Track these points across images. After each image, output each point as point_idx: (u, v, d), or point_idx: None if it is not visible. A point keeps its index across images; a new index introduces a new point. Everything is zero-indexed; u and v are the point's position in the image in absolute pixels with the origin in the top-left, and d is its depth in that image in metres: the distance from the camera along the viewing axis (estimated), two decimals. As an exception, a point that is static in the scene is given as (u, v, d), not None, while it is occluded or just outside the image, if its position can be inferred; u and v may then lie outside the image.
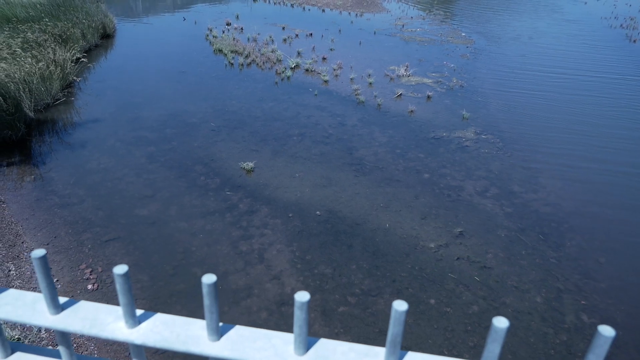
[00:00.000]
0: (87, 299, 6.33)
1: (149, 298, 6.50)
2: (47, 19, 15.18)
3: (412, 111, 12.67)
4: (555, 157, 10.81)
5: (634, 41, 21.74)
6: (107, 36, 18.09)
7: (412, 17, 23.73)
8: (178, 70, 15.15)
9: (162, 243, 7.55)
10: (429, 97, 13.70)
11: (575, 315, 6.52)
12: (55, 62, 12.62)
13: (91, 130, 11.07)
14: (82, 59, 14.76)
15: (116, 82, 14.06)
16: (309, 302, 0.82)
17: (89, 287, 6.63)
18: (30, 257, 6.90)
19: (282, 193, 8.96)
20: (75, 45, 14.85)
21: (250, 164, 9.65)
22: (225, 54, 16.38)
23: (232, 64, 15.72)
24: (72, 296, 6.45)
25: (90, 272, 6.90)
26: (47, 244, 7.45)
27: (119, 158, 9.94)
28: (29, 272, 6.82)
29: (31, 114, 11.14)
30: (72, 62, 13.74)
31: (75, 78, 13.61)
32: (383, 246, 7.67)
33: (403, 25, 21.80)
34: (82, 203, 8.46)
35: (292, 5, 24.96)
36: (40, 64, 11.98)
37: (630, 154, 11.14)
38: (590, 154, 11.05)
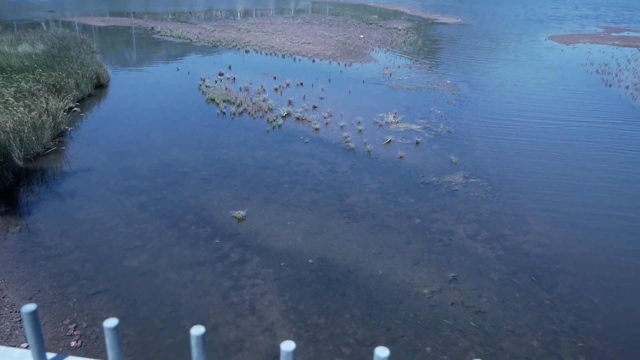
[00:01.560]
0: (72, 354, 6.14)
1: (136, 354, 6.32)
2: (41, 69, 15.42)
3: (401, 157, 12.81)
4: (543, 200, 10.90)
5: (610, 85, 22.43)
6: (101, 86, 18.34)
7: (399, 66, 24.35)
8: (171, 119, 15.32)
9: (151, 295, 7.41)
10: (417, 142, 13.88)
11: (573, 358, 6.41)
12: (47, 111, 12.72)
13: (81, 180, 11.05)
14: (75, 109, 14.90)
15: (108, 131, 14.16)
16: (296, 351, 0.81)
17: (72, 343, 6.44)
18: (19, 311, 6.74)
19: (274, 241, 8.90)
20: (69, 95, 15.03)
21: (242, 213, 9.62)
22: (218, 104, 16.62)
23: (224, 113, 15.93)
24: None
25: (75, 327, 6.71)
26: (30, 298, 7.28)
27: (109, 208, 9.88)
28: (8, 329, 6.63)
29: (20, 163, 11.13)
30: (64, 111, 13.86)
31: (67, 127, 13.70)
32: (376, 293, 7.57)
33: (391, 74, 22.34)
34: (68, 254, 8.34)
35: (283, 56, 25.57)
36: (32, 113, 12.08)
37: (615, 197, 11.27)
38: (576, 197, 11.16)
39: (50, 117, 12.72)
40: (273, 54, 26.07)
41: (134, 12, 42.49)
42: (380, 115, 16.07)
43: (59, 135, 13.25)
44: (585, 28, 49.28)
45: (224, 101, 16.78)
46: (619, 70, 25.90)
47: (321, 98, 17.86)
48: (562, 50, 32.83)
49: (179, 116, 15.64)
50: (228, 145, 13.33)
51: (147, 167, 11.80)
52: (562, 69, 25.82)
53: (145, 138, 13.73)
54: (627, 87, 22.02)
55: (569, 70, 25.57)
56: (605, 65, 27.33)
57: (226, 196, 10.49)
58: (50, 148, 12.39)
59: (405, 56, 27.55)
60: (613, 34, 45.13)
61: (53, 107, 13.13)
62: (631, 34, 45.88)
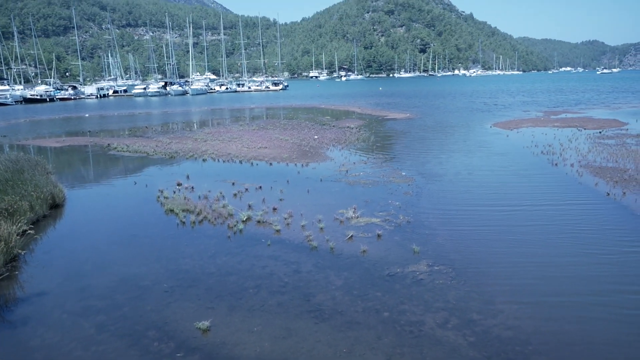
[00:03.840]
0: None
1: None
2: (-7, 196, 15.16)
3: (364, 251, 12.91)
4: (507, 282, 11.05)
5: (556, 165, 23.77)
6: (56, 206, 18.08)
7: (354, 163, 25.21)
8: (129, 234, 15.10)
9: (112, 423, 6.88)
10: (379, 235, 14.08)
11: None
12: (-1, 237, 12.35)
13: (35, 305, 10.54)
14: (29, 231, 14.53)
15: (64, 251, 13.78)
16: None
17: None
18: None
19: (241, 350, 8.58)
20: (22, 218, 14.71)
21: (206, 323, 9.31)
22: (177, 214, 16.59)
23: (183, 222, 15.86)
24: None
25: None
26: None
27: (66, 331, 9.38)
28: None
29: (-30, 295, 10.57)
30: (18, 235, 13.49)
31: (20, 251, 13.26)
32: (351, 396, 7.28)
33: (347, 171, 23.05)
34: (21, 388, 7.75)
35: (240, 162, 26.13)
36: (-17, 241, 11.69)
37: (574, 280, 11.58)
38: (539, 276, 11.40)
39: (2, 242, 12.34)
40: (230, 160, 26.62)
41: (89, 131, 43.12)
42: (340, 211, 16.35)
43: (12, 260, 12.79)
44: (526, 113, 52.90)
45: (183, 210, 16.78)
46: (562, 150, 27.60)
47: (281, 200, 18.11)
48: (507, 136, 34.88)
49: (138, 230, 15.46)
50: (189, 254, 13.15)
51: (105, 284, 11.42)
52: (510, 154, 27.29)
53: (102, 255, 13.41)
54: (572, 165, 23.36)
55: (516, 154, 27.04)
56: (549, 146, 29.14)
57: (189, 307, 10.18)
58: (2, 274, 11.90)
59: (360, 152, 28.63)
60: (552, 116, 48.56)
61: (5, 231, 12.79)
62: (569, 115, 49.49)
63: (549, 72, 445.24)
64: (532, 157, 26.16)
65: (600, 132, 35.17)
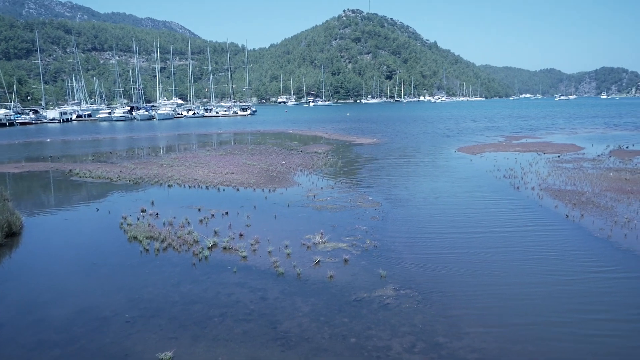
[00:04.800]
0: None
1: None
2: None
3: (331, 276, 12.84)
4: (473, 305, 11.14)
5: (517, 188, 24.39)
6: (13, 234, 17.40)
7: (322, 188, 25.26)
8: (89, 262, 14.63)
9: None
10: (346, 260, 14.05)
11: None
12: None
13: (-13, 340, 10.02)
14: (-17, 262, 13.92)
15: (19, 282, 13.23)
16: None
17: None
18: None
19: (204, 381, 8.33)
20: (-24, 249, 14.10)
21: (169, 354, 9.03)
22: (141, 241, 16.20)
23: (147, 250, 15.50)
24: None
25: None
26: None
27: (18, 367, 8.94)
28: None
29: None
30: (-30, 266, 12.90)
31: (-28, 283, 12.67)
32: None
33: (314, 196, 23.06)
34: None
35: (207, 187, 25.84)
36: None
37: (538, 302, 11.77)
38: (504, 300, 11.54)
39: (-46, 273, 11.77)
40: (197, 186, 26.30)
41: (50, 156, 41.99)
42: (307, 237, 16.27)
43: (-37, 292, 12.19)
44: (488, 138, 54.34)
45: (146, 238, 16.41)
46: (524, 174, 28.36)
47: (247, 225, 17.93)
48: (471, 160, 35.66)
49: (99, 258, 15.00)
50: (152, 283, 12.81)
51: (63, 316, 10.99)
52: (474, 178, 27.84)
53: (60, 285, 12.94)
54: (533, 188, 23.99)
55: (480, 179, 27.61)
56: (511, 170, 29.92)
57: (151, 338, 9.86)
58: (-49, 307, 11.31)
59: (327, 177, 28.73)
60: (514, 141, 50.06)
61: (-43, 261, 12.21)
62: (529, 140, 51.11)
63: (510, 98, 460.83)
64: (495, 181, 26.76)
65: (558, 157, 36.36)
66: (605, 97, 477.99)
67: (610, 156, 36.14)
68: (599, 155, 36.54)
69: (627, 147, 41.88)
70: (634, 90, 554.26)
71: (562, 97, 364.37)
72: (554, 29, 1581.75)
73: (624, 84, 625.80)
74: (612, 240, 15.70)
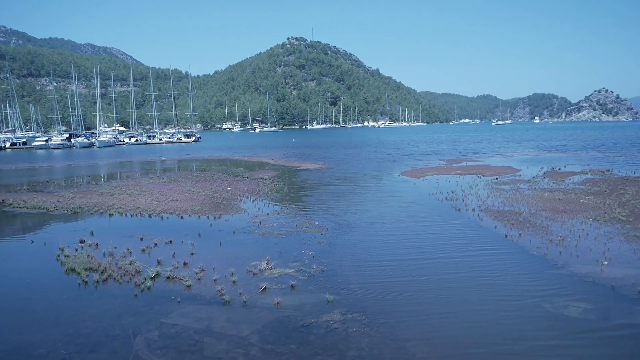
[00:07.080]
0: None
1: None
2: None
3: (278, 303, 12.77)
4: (418, 323, 11.36)
5: (459, 210, 25.23)
6: (-64, 272, 16.28)
7: (268, 214, 25.18)
8: (22, 297, 13.88)
9: None
10: (292, 286, 14.03)
11: None
12: None
13: None
14: None
15: (-56, 322, 12.35)
16: None
17: None
18: None
19: (147, 417, 8.03)
20: None
21: (108, 391, 8.66)
22: (79, 273, 15.55)
23: (86, 282, 14.88)
24: None
25: None
26: None
27: (-59, 414, 8.32)
28: None
29: None
30: None
31: None
32: None
33: (260, 222, 22.94)
34: None
35: (149, 216, 25.18)
36: None
37: (482, 325, 12.14)
38: (449, 319, 11.84)
39: None
40: (139, 214, 25.59)
41: (-19, 187, 39.70)
42: (253, 263, 16.14)
43: None
44: (430, 162, 56.02)
45: (85, 269, 15.76)
46: (465, 196, 29.38)
47: (192, 254, 17.59)
48: (415, 184, 36.59)
49: (33, 292, 14.26)
50: (91, 316, 12.29)
51: (-7, 356, 10.34)
52: (418, 201, 28.51)
53: (-9, 323, 12.17)
54: (473, 210, 24.87)
55: (423, 201, 28.33)
56: (453, 192, 30.92)
57: (90, 375, 9.43)
58: None
59: (274, 203, 28.67)
60: (454, 164, 51.87)
61: None
62: (469, 163, 53.08)
63: (450, 123, 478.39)
64: (437, 203, 27.56)
65: (497, 179, 37.96)
66: (538, 121, 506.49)
67: (544, 177, 38.11)
68: (534, 177, 38.45)
69: (559, 169, 44.35)
70: (564, 114, 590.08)
71: (499, 122, 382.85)
72: (490, 56, 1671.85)
73: (554, 109, 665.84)
74: (548, 258, 16.45)
